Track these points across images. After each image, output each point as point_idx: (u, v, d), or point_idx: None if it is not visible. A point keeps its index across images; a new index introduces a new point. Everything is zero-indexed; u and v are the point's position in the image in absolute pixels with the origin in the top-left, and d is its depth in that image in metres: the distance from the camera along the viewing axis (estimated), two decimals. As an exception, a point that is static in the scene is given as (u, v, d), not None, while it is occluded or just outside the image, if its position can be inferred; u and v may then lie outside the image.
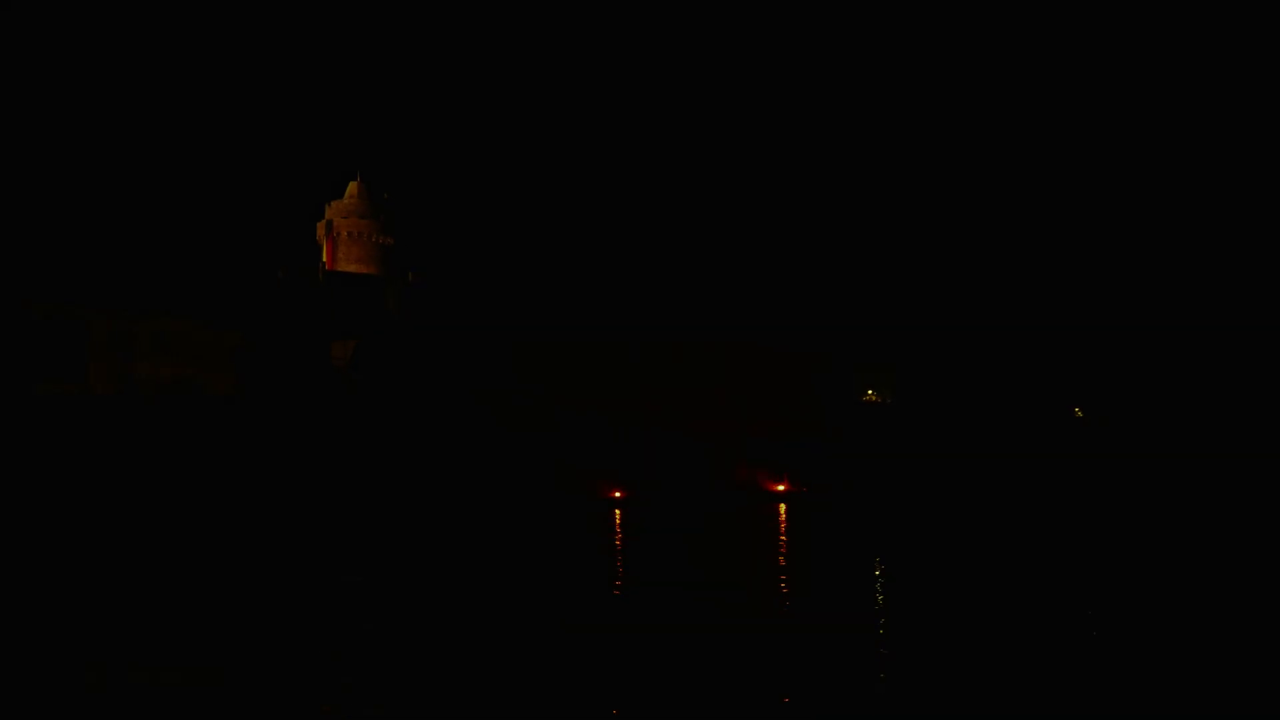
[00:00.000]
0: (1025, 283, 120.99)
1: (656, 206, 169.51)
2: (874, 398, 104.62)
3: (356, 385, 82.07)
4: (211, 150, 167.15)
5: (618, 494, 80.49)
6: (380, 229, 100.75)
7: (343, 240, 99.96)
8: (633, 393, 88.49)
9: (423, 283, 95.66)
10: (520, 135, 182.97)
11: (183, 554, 48.27)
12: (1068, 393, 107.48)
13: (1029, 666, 24.22)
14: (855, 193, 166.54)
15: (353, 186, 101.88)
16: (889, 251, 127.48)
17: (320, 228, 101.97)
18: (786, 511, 76.54)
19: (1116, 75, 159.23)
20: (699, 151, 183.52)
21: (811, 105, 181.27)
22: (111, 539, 53.81)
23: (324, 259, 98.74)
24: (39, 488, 62.53)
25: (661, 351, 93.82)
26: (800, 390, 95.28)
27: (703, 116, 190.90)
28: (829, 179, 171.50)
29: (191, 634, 29.34)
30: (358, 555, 47.89)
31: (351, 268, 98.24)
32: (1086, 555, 49.10)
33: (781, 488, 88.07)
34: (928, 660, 24.15)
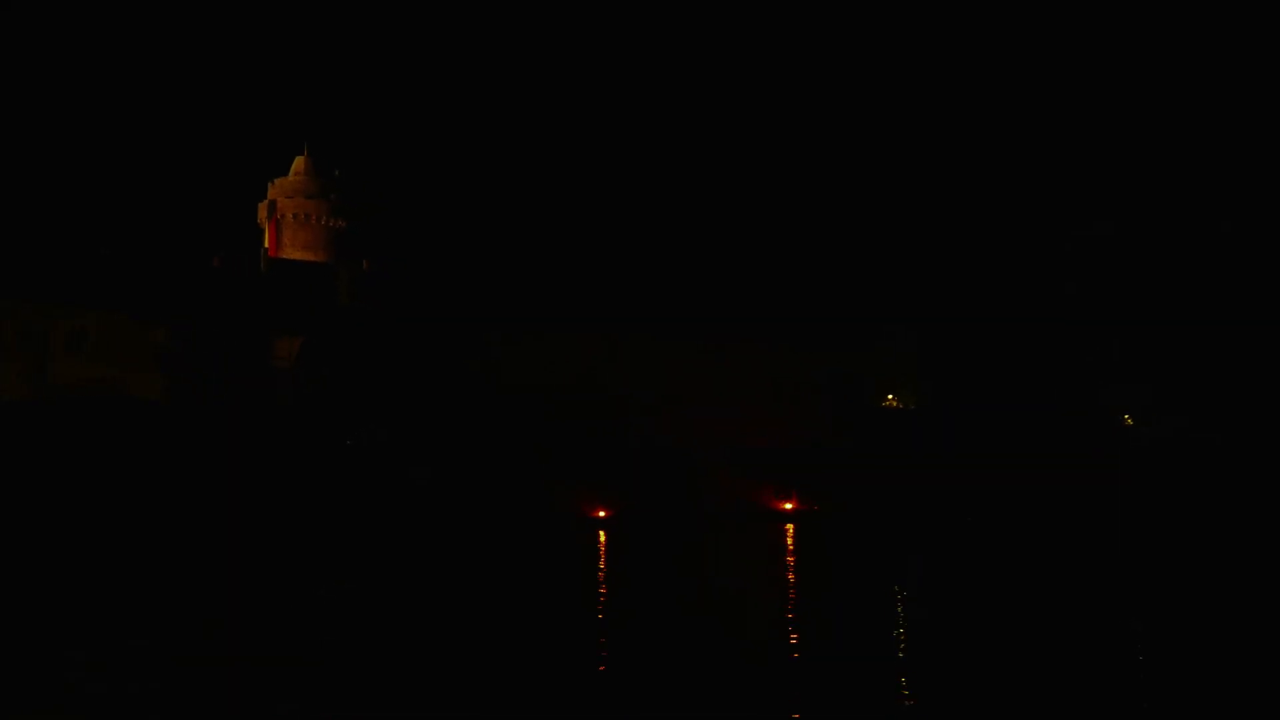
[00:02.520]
0: (1067, 275, 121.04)
1: (644, 186, 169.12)
2: (895, 403, 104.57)
3: (303, 388, 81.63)
4: (136, 120, 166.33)
5: (603, 513, 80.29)
6: (331, 210, 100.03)
7: (288, 223, 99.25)
8: (622, 397, 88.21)
9: (380, 272, 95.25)
10: (491, 101, 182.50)
11: (104, 579, 47.89)
12: (1116, 398, 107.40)
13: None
14: (876, 173, 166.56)
15: (299, 162, 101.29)
16: (910, 239, 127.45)
17: (262, 209, 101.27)
18: (795, 533, 76.48)
19: (1152, 61, 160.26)
20: (688, 132, 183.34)
21: (817, 88, 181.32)
22: (24, 560, 53.44)
23: (266, 245, 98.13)
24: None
25: (654, 351, 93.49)
26: (810, 395, 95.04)
27: (706, 95, 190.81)
28: (843, 159, 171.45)
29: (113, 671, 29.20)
30: (296, 583, 47.61)
31: (298, 254, 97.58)
32: (1135, 582, 49.09)
33: (789, 506, 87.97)
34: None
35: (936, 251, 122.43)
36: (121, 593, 44.89)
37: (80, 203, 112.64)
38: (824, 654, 32.27)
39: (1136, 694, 28.25)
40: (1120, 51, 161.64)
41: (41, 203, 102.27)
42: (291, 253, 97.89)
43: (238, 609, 39.73)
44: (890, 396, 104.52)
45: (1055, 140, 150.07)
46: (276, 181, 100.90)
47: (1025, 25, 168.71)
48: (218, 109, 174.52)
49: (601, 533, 74.27)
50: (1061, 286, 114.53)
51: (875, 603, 42.77)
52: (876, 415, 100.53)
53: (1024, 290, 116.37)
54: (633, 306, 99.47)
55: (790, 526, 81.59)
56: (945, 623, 37.48)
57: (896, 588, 48.17)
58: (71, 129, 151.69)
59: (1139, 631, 36.54)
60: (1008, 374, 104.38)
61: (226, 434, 72.54)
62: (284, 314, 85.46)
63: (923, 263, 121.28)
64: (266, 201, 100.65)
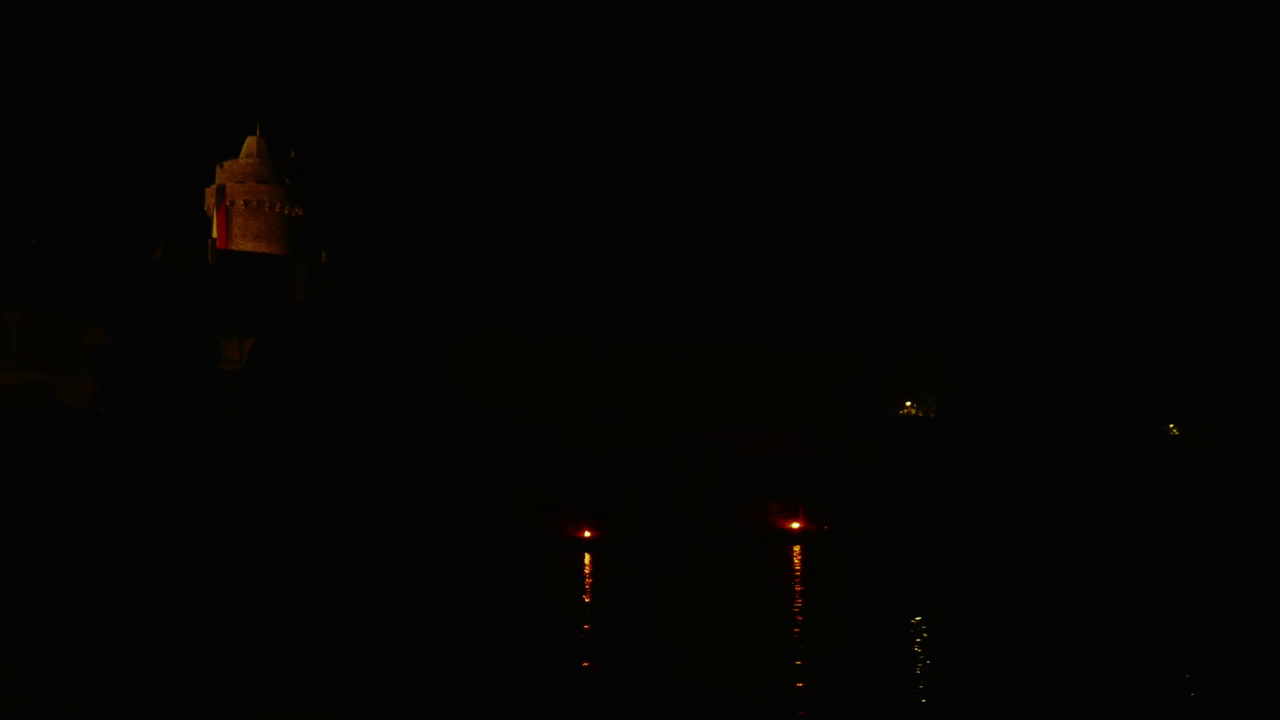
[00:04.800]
0: (1101, 268, 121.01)
1: (631, 174, 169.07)
2: (914, 410, 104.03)
3: (254, 394, 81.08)
4: (69, 97, 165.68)
5: (588, 533, 79.88)
6: (286, 197, 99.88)
7: (238, 211, 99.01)
8: (609, 406, 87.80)
9: (340, 265, 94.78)
10: (465, 74, 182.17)
11: (35, 607, 47.18)
12: (1159, 405, 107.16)
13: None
14: (889, 165, 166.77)
15: (251, 142, 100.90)
16: (928, 230, 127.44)
17: (209, 195, 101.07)
18: (803, 556, 75.88)
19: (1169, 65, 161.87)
20: (684, 118, 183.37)
21: (826, 87, 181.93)
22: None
23: (214, 234, 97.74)
24: None
25: (645, 354, 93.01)
26: (820, 402, 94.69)
27: (706, 80, 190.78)
28: (851, 153, 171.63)
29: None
30: (242, 617, 46.83)
31: (249, 245, 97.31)
32: (1182, 612, 48.42)
33: (796, 525, 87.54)
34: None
35: (958, 246, 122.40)
36: (43, 620, 44.16)
37: (6, 189, 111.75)
38: (833, 696, 31.44)
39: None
40: (1161, 52, 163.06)
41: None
42: (242, 243, 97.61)
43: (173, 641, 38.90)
44: (908, 403, 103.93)
45: (1081, 141, 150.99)
46: (226, 164, 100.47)
47: (1054, 27, 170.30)
48: (161, 84, 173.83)
49: (587, 555, 73.67)
50: (1089, 286, 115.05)
51: (892, 637, 41.91)
52: (893, 424, 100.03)
53: (1053, 288, 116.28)
54: (621, 304, 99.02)
55: (797, 548, 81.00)
56: (972, 662, 36.60)
57: (917, 619, 47.36)
58: None
59: (1187, 674, 35.70)
60: (1038, 377, 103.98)
61: (166, 445, 71.76)
62: (233, 312, 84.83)
63: (943, 258, 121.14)
64: (214, 186, 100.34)
